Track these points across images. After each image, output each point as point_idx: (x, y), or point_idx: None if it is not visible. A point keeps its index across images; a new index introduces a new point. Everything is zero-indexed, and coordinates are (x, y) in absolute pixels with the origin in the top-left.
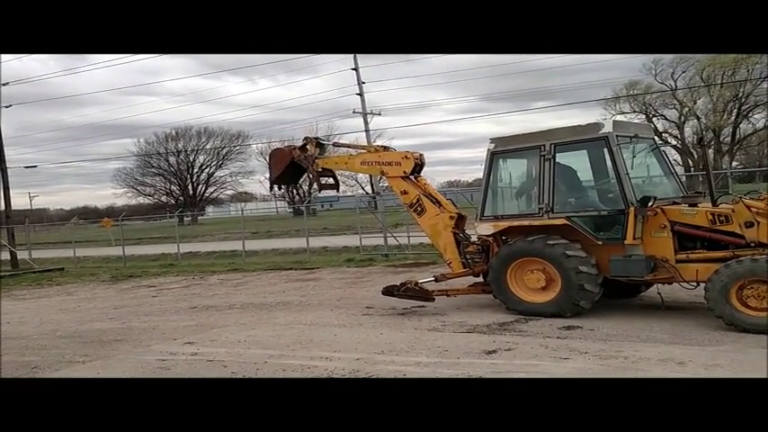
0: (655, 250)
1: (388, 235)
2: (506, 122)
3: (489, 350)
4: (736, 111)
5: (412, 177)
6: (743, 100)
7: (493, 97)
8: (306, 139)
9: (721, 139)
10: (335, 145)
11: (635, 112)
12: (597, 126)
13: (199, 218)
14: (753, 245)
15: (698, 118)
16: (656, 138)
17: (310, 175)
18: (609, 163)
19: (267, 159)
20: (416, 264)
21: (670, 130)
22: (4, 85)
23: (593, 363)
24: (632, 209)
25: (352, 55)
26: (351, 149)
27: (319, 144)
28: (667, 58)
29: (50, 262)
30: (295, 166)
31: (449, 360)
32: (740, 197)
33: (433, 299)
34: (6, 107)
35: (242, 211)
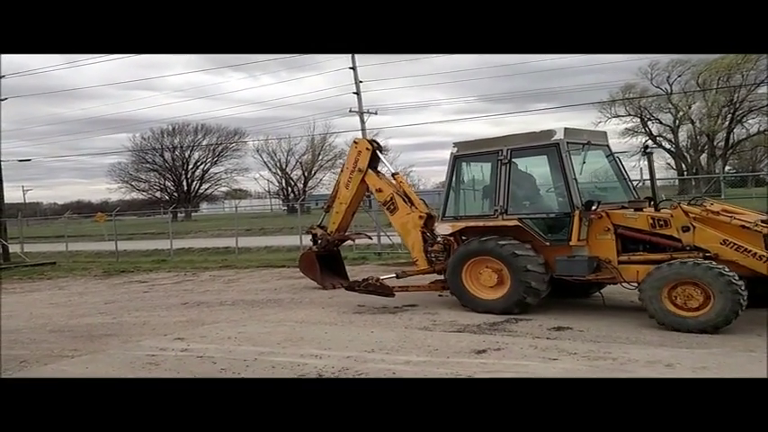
0: (599, 252)
1: (382, 234)
2: (504, 123)
3: (479, 350)
4: (730, 116)
5: (390, 170)
6: (737, 105)
7: (492, 98)
8: (308, 232)
9: (715, 143)
10: (326, 209)
11: (630, 115)
12: (550, 133)
13: (192, 214)
14: (688, 248)
15: (692, 122)
16: (609, 145)
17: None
18: (559, 168)
19: (301, 270)
20: (409, 263)
21: (664, 134)
22: (2, 77)
23: (581, 364)
24: (578, 212)
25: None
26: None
27: (320, 226)
28: (663, 61)
29: (42, 256)
30: (324, 255)
31: (438, 359)
32: (678, 203)
33: (393, 295)
34: (3, 100)
35: (236, 207)
